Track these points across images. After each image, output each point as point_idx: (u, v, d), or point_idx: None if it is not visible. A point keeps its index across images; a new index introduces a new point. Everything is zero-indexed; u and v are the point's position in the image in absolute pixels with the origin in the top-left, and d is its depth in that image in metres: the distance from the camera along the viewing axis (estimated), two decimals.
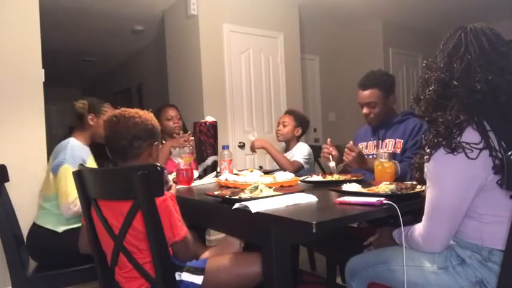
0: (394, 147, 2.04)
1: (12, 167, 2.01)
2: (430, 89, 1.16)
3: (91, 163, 2.04)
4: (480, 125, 1.07)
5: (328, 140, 2.09)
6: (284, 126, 2.72)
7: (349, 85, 5.33)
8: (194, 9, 3.74)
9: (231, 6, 3.91)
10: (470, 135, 1.06)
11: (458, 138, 1.06)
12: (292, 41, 4.33)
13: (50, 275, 1.79)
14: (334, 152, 2.03)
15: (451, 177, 1.09)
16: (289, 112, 2.83)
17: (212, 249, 1.66)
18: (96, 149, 2.11)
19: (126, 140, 1.38)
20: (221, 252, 1.57)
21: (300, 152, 2.63)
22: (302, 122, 2.75)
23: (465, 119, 1.08)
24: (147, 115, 1.46)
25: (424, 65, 1.24)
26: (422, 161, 1.16)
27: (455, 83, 1.11)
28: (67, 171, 1.85)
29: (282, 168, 2.51)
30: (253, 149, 2.69)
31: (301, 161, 2.56)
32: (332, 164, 2.00)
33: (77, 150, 1.95)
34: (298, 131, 2.73)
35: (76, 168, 1.83)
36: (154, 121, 1.49)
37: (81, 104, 2.08)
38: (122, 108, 1.46)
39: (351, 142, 1.97)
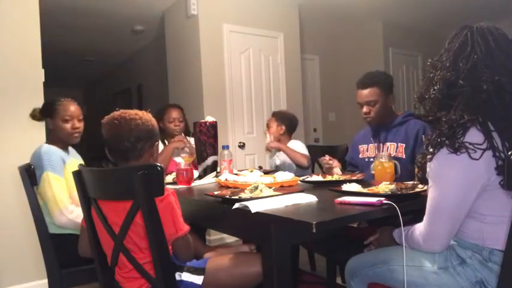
0: (396, 151, 2.01)
1: (12, 167, 2.01)
2: (435, 88, 1.15)
3: (74, 163, 1.92)
4: (484, 125, 1.07)
5: (326, 156, 2.19)
6: (269, 128, 2.86)
7: (349, 85, 5.32)
8: (194, 9, 3.74)
9: (231, 6, 3.91)
10: (474, 136, 1.06)
11: (461, 138, 1.06)
12: (292, 41, 4.33)
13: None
14: (336, 163, 2.12)
15: (454, 177, 1.08)
16: (272, 114, 2.98)
17: (219, 250, 1.66)
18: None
19: (128, 142, 1.37)
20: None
21: (298, 147, 2.77)
22: (284, 120, 2.86)
23: (469, 119, 1.07)
24: (147, 116, 1.46)
25: (428, 63, 1.23)
26: (425, 161, 1.16)
27: (461, 82, 1.10)
28: (49, 178, 1.79)
29: (297, 163, 2.68)
30: (269, 149, 2.84)
31: (306, 152, 2.73)
32: (337, 170, 2.09)
33: (53, 155, 1.86)
34: (282, 129, 2.84)
35: (57, 173, 1.83)
36: (154, 121, 1.49)
37: (34, 113, 1.98)
38: (121, 110, 1.44)
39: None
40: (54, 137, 1.99)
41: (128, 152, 1.39)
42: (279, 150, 2.77)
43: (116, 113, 1.43)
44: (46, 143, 1.98)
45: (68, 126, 1.95)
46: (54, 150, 1.90)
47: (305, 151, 2.75)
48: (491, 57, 1.10)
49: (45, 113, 1.98)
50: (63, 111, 1.94)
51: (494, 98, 1.08)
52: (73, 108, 1.97)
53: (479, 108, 1.09)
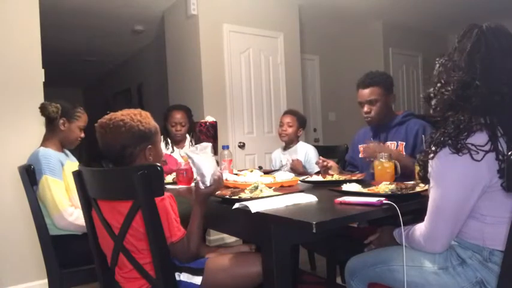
0: (396, 150, 2.02)
1: (11, 167, 2.01)
2: (449, 89, 1.13)
3: (71, 167, 1.92)
4: (492, 127, 1.06)
5: (320, 158, 2.16)
6: (289, 126, 2.76)
7: (349, 85, 5.30)
8: (194, 9, 3.74)
9: (231, 6, 3.91)
10: (478, 138, 1.05)
11: (464, 140, 1.05)
12: (292, 41, 4.33)
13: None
14: (331, 163, 2.10)
15: (455, 178, 1.08)
16: (291, 113, 2.86)
17: (220, 251, 1.66)
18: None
19: (116, 151, 1.37)
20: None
21: (314, 155, 2.69)
22: (303, 123, 2.84)
23: (478, 123, 1.06)
24: (136, 118, 1.39)
25: (437, 63, 1.21)
26: (427, 159, 1.16)
27: (478, 83, 1.08)
28: (48, 182, 1.79)
29: None
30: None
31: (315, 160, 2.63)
32: (334, 169, 2.09)
33: (51, 158, 1.85)
34: (300, 132, 2.82)
35: (56, 177, 1.82)
36: (145, 124, 1.40)
37: (54, 108, 1.94)
38: (110, 114, 1.40)
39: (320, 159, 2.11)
40: (56, 138, 1.98)
41: (117, 158, 1.38)
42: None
43: (104, 120, 1.39)
44: (42, 144, 1.97)
45: (81, 134, 2.05)
46: (52, 153, 1.90)
47: (316, 158, 2.65)
48: (507, 58, 1.09)
49: (64, 113, 1.98)
50: (83, 121, 2.05)
51: (508, 101, 1.07)
52: (86, 119, 2.08)
53: (490, 110, 1.08)
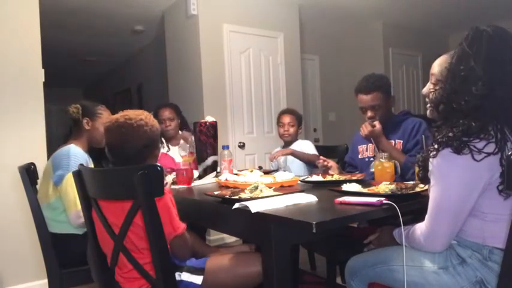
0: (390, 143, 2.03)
1: (11, 167, 2.01)
2: (466, 98, 1.10)
3: None
4: (501, 134, 1.06)
5: (321, 158, 2.17)
6: (291, 126, 2.76)
7: (349, 85, 5.31)
8: (194, 9, 3.74)
9: (231, 6, 3.91)
10: (483, 144, 1.05)
11: (468, 142, 1.05)
12: (292, 41, 4.33)
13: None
14: (331, 163, 2.10)
15: (456, 177, 1.08)
16: (291, 112, 2.86)
17: (222, 251, 1.66)
18: (95, 150, 2.09)
19: (135, 150, 1.35)
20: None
21: (311, 148, 2.71)
22: (301, 121, 2.87)
23: (488, 132, 1.06)
24: (151, 120, 1.41)
25: (446, 68, 1.19)
26: (428, 156, 1.15)
27: (497, 92, 1.07)
28: (72, 180, 1.78)
29: (313, 164, 2.55)
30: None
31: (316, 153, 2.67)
32: (334, 169, 2.09)
33: (79, 157, 1.87)
34: (300, 129, 2.84)
35: None
36: (157, 124, 1.46)
37: (74, 109, 1.99)
38: (125, 114, 1.39)
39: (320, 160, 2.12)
40: (83, 138, 2.02)
41: (132, 158, 1.37)
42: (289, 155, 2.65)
43: (121, 119, 1.37)
44: (71, 142, 1.98)
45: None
46: (82, 153, 1.93)
47: (315, 151, 2.69)
48: None
49: (88, 113, 2.01)
50: (105, 118, 2.04)
51: None
52: (109, 116, 2.08)
53: (502, 116, 1.07)
